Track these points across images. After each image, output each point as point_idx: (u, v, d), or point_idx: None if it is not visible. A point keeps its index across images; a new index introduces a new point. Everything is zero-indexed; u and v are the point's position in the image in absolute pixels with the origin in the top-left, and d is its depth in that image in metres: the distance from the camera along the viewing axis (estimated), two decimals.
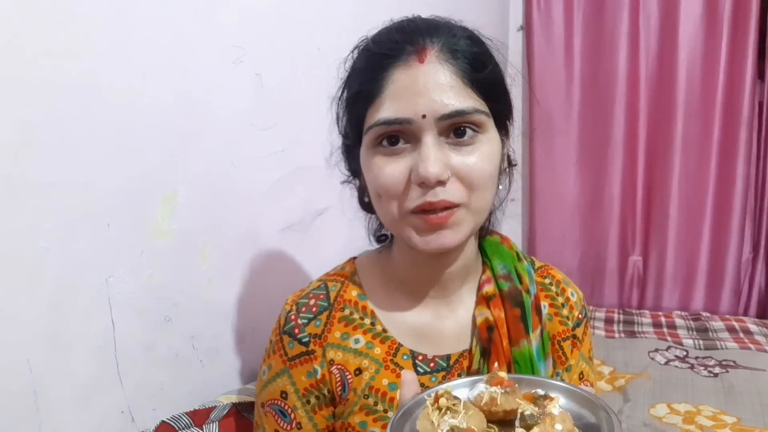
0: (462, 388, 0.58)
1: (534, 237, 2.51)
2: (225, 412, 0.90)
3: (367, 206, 0.76)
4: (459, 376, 0.74)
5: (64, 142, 0.73)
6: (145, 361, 0.87)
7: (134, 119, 0.83)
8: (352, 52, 0.71)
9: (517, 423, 0.51)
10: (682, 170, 2.29)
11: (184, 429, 0.85)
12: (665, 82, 2.28)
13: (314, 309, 0.74)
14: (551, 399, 0.53)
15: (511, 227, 2.59)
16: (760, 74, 2.22)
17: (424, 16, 0.70)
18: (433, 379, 0.73)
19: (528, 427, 0.50)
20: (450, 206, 0.63)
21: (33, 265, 0.71)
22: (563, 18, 2.36)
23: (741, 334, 1.97)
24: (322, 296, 0.75)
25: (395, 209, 0.65)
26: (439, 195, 0.62)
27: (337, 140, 0.76)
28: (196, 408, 0.89)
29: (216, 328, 1.01)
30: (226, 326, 1.03)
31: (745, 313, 2.32)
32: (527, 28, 2.40)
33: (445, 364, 0.73)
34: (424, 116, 0.61)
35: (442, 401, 0.52)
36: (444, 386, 0.56)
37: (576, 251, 2.48)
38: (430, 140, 0.62)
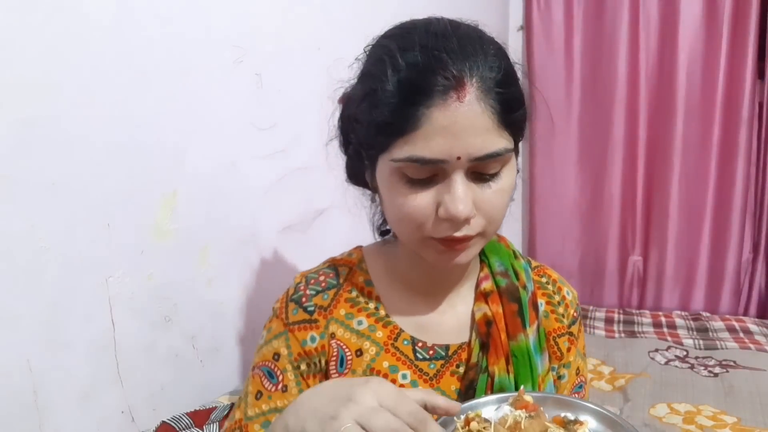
0: (489, 406, 0.59)
1: (534, 237, 2.51)
2: (226, 412, 0.90)
3: (359, 183, 0.75)
4: (458, 366, 0.75)
5: (64, 142, 0.73)
6: (145, 361, 0.87)
7: (134, 119, 0.83)
8: (366, 47, 0.68)
9: None
10: (682, 170, 2.29)
11: (184, 429, 0.85)
12: (665, 82, 2.28)
13: (323, 284, 0.76)
14: (581, 423, 0.54)
15: (511, 228, 2.60)
16: (760, 74, 2.22)
17: (450, 17, 0.66)
18: (432, 366, 0.74)
19: None
20: (470, 239, 0.65)
21: (33, 265, 0.71)
22: (563, 18, 2.36)
23: (741, 334, 1.97)
24: (332, 275, 0.78)
25: (416, 234, 0.66)
26: (462, 231, 0.64)
27: (335, 119, 0.74)
28: (197, 408, 0.89)
29: (216, 328, 1.01)
30: (226, 326, 1.03)
31: (745, 313, 2.32)
32: (527, 28, 2.40)
33: (443, 353, 0.75)
34: (458, 158, 0.61)
35: (474, 425, 0.53)
36: (471, 404, 0.57)
37: (576, 251, 2.48)
38: (459, 179, 0.62)
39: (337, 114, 0.74)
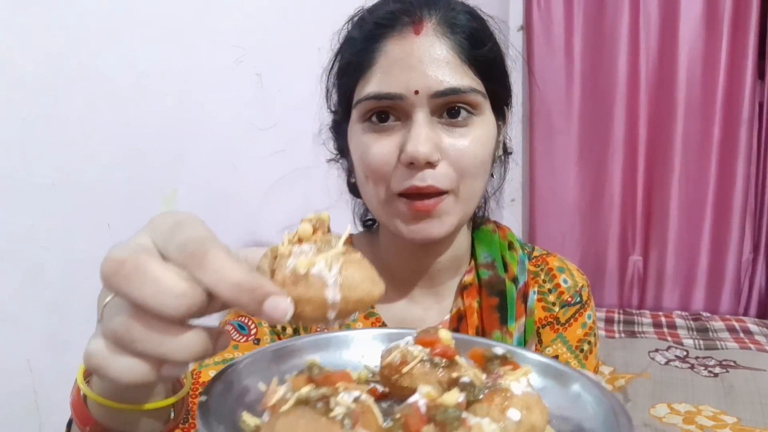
0: (380, 343, 0.41)
1: (534, 237, 2.50)
2: None
3: (354, 188, 0.73)
4: None
5: (65, 141, 0.73)
6: None
7: (134, 119, 0.83)
8: (347, 23, 0.69)
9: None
10: (682, 170, 2.29)
11: None
12: (665, 82, 2.28)
13: None
14: (515, 367, 0.34)
15: (511, 227, 2.59)
16: (760, 74, 2.22)
17: None
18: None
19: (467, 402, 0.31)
20: (437, 192, 0.60)
21: (33, 265, 0.71)
22: (563, 18, 2.36)
23: (741, 334, 1.97)
24: None
25: (382, 192, 0.62)
26: (428, 179, 0.59)
27: (327, 116, 0.74)
28: None
29: None
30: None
31: (746, 313, 2.32)
32: (527, 28, 2.40)
33: None
34: (416, 92, 0.58)
35: (304, 227, 0.33)
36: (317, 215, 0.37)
37: (576, 251, 2.48)
38: (421, 118, 0.58)
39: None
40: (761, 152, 2.27)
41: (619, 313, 2.23)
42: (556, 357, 0.73)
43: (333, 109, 0.71)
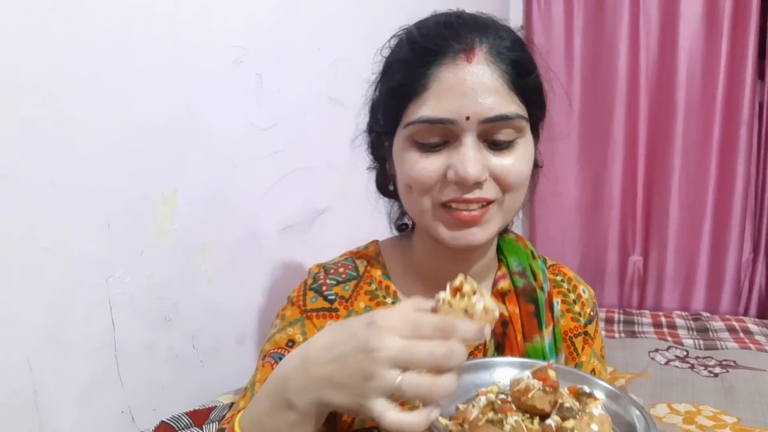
0: (512, 368, 0.61)
1: (534, 237, 2.51)
2: (225, 411, 0.90)
3: (388, 193, 0.77)
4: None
5: (65, 142, 0.73)
6: (145, 361, 0.87)
7: (134, 119, 0.83)
8: (390, 40, 0.71)
9: (554, 411, 0.52)
10: (682, 170, 2.29)
11: (183, 429, 0.85)
12: (665, 82, 2.28)
13: (344, 275, 0.75)
14: (594, 399, 0.54)
15: (510, 228, 2.59)
16: (760, 74, 2.22)
17: (468, 11, 0.69)
18: None
19: (563, 419, 0.51)
20: (484, 201, 0.64)
21: (33, 265, 0.71)
22: (563, 18, 2.36)
23: (741, 334, 1.97)
24: (351, 267, 0.76)
25: (426, 202, 0.65)
26: (475, 193, 0.63)
27: (363, 123, 0.76)
28: (196, 408, 0.89)
29: (216, 328, 1.01)
30: (226, 326, 1.03)
31: (746, 313, 2.32)
32: (527, 28, 2.40)
33: None
34: (468, 118, 0.61)
35: (467, 287, 0.51)
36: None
37: (576, 251, 2.48)
38: (470, 141, 0.62)
39: (366, 121, 0.75)
40: (761, 152, 2.27)
41: (619, 313, 2.23)
42: (594, 371, 0.82)
43: (376, 121, 0.72)
